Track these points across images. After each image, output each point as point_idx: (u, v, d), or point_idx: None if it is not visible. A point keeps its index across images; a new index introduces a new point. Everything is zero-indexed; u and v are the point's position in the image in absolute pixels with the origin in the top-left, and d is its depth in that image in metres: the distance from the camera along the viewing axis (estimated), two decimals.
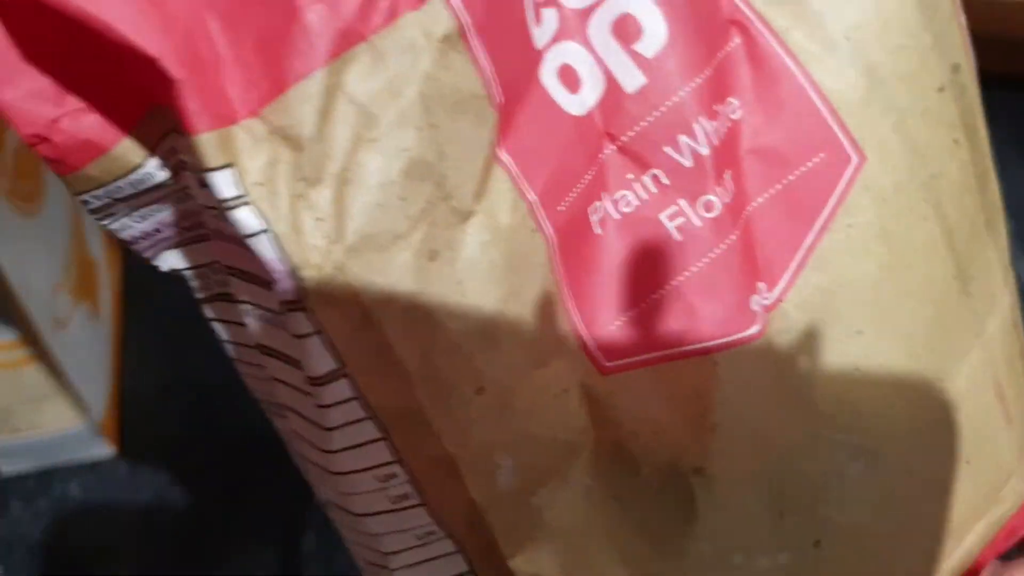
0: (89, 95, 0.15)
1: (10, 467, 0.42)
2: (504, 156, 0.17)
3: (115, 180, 0.16)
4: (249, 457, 0.43)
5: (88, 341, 0.41)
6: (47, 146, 0.15)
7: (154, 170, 0.16)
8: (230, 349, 0.20)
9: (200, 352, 0.47)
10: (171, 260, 0.19)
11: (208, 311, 0.19)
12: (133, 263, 0.50)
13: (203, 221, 0.17)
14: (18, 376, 0.37)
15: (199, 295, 0.19)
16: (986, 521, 0.21)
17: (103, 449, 0.42)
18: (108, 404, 0.42)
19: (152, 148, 0.16)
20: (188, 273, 0.19)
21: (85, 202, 0.16)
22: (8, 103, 0.15)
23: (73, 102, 0.15)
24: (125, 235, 0.18)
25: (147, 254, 0.18)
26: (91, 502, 0.41)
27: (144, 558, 0.40)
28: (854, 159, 0.18)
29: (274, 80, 0.15)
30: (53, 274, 0.38)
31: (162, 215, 0.17)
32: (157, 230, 0.18)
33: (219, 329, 0.20)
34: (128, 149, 0.16)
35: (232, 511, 0.41)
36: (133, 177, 0.16)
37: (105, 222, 0.17)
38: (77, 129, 0.15)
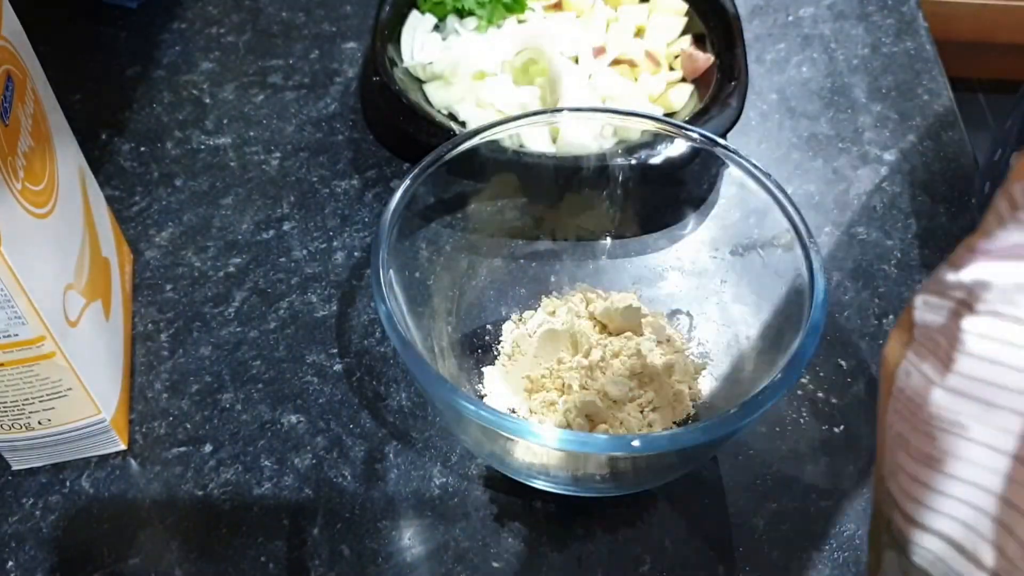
0: None
1: (22, 462, 0.42)
2: None
3: None
4: (257, 450, 0.43)
5: (99, 339, 0.42)
6: None
7: None
8: None
9: (208, 349, 0.47)
10: (1012, 275, 0.18)
11: None
12: (143, 263, 0.51)
13: None
14: (30, 373, 0.37)
15: None
16: None
17: (114, 444, 0.43)
18: (119, 400, 0.43)
19: None
20: (1013, 288, 0.18)
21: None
22: None
23: None
24: (995, 243, 0.18)
25: (981, 257, 0.18)
26: (101, 497, 0.42)
27: (154, 551, 0.40)
28: None
29: None
30: (65, 273, 0.38)
31: None
32: None
33: None
34: None
35: (240, 503, 0.42)
36: None
37: (1006, 230, 0.18)
38: None
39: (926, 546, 0.20)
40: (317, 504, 0.41)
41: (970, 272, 0.18)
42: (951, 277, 0.19)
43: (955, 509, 0.19)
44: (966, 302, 0.18)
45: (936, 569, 0.20)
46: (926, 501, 0.19)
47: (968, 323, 0.18)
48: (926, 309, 0.19)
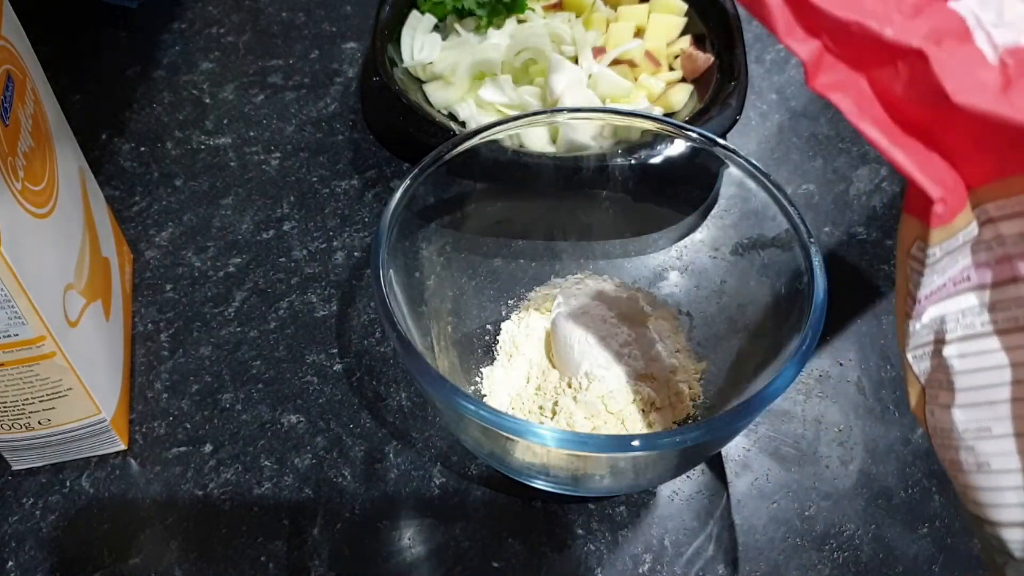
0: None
1: (22, 462, 0.42)
2: None
3: (958, 232, 0.21)
4: (257, 450, 0.43)
5: (99, 339, 0.42)
6: (943, 205, 0.21)
7: (973, 227, 0.21)
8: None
9: (208, 349, 0.47)
10: (954, 306, 0.23)
11: (986, 343, 0.22)
12: (143, 263, 0.51)
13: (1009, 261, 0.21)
14: (30, 373, 0.37)
15: (973, 332, 0.22)
16: None
17: (114, 444, 0.43)
18: (119, 400, 0.43)
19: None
20: (959, 314, 0.23)
21: (926, 257, 0.22)
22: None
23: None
24: (927, 290, 0.22)
25: (928, 304, 0.23)
26: (101, 497, 0.42)
27: (154, 551, 0.40)
28: None
29: None
30: (65, 273, 0.38)
31: (955, 269, 0.22)
32: (945, 284, 0.22)
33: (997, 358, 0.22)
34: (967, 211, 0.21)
35: (240, 503, 0.42)
36: (967, 231, 0.21)
37: (927, 278, 0.22)
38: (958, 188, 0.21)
39: (1017, 538, 0.23)
40: (317, 504, 0.41)
41: (927, 316, 0.23)
42: (917, 326, 0.23)
43: (1018, 497, 0.22)
44: (938, 339, 0.23)
45: None
46: (994, 502, 0.22)
47: (947, 351, 0.23)
48: (916, 359, 0.24)
